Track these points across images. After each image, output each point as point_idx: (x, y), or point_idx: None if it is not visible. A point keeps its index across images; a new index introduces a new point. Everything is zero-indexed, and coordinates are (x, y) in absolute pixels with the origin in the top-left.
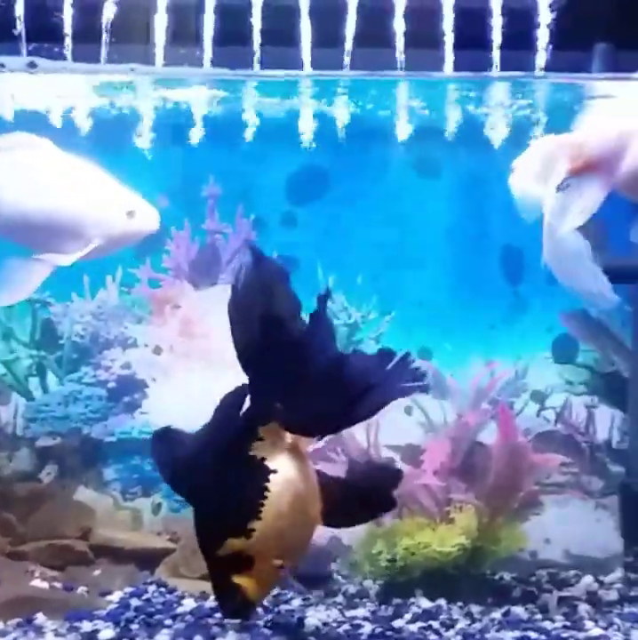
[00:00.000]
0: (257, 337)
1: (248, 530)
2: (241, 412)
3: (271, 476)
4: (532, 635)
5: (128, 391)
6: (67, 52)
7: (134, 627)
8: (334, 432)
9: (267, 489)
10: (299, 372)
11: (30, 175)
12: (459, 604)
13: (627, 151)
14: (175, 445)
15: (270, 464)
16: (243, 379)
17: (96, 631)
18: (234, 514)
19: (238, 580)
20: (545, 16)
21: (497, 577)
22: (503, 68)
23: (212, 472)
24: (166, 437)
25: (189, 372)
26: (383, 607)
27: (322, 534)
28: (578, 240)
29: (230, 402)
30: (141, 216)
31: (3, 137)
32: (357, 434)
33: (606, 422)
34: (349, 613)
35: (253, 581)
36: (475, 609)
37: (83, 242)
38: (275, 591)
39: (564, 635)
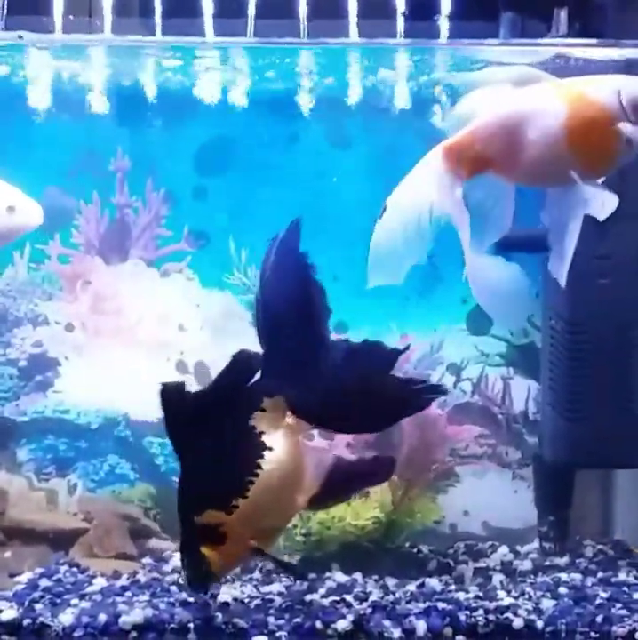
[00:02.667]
0: (284, 316)
1: (231, 505)
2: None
3: (265, 453)
4: (441, 605)
5: (40, 370)
6: None
7: (39, 607)
8: (336, 430)
9: (259, 466)
10: (321, 359)
11: None
12: (375, 577)
13: (522, 137)
14: (181, 399)
15: (267, 440)
16: (154, 355)
17: None
18: (221, 484)
19: (206, 551)
20: None
21: (414, 549)
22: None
23: (208, 434)
24: (176, 391)
25: (102, 350)
26: (298, 582)
27: None
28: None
29: (240, 366)
30: (22, 211)
31: None
32: None
33: (522, 394)
34: (264, 589)
35: (221, 556)
36: (391, 582)
37: None
38: None
39: (475, 605)
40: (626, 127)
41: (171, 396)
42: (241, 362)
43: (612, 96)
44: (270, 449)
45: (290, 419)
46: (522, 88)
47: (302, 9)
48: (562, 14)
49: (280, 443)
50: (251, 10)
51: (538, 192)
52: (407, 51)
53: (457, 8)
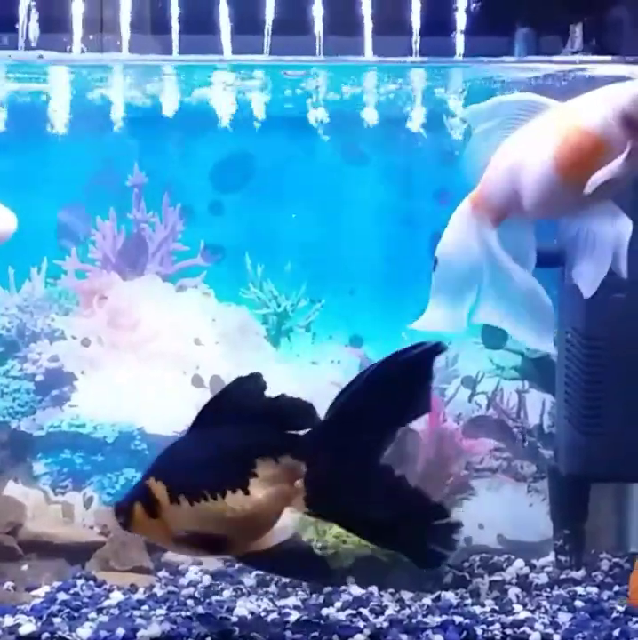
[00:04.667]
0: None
1: (176, 498)
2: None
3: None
4: (458, 619)
5: (56, 384)
6: None
7: (57, 620)
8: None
9: (222, 495)
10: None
11: None
12: (391, 590)
13: (520, 182)
14: (244, 389)
15: (255, 484)
16: (170, 369)
17: (17, 625)
18: (188, 475)
19: (137, 508)
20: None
21: None
22: (422, 54)
23: (224, 432)
24: (246, 382)
25: (118, 364)
26: (314, 596)
27: None
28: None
29: (298, 410)
30: None
31: None
32: None
33: (537, 407)
34: (280, 602)
35: (143, 524)
36: (407, 595)
37: None
38: (208, 582)
39: (491, 618)
40: (617, 147)
41: (240, 383)
42: (301, 408)
43: (603, 116)
44: (247, 493)
45: (294, 486)
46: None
47: (318, 26)
48: (578, 30)
49: (264, 495)
50: (268, 27)
51: None
52: (422, 68)
53: (472, 24)
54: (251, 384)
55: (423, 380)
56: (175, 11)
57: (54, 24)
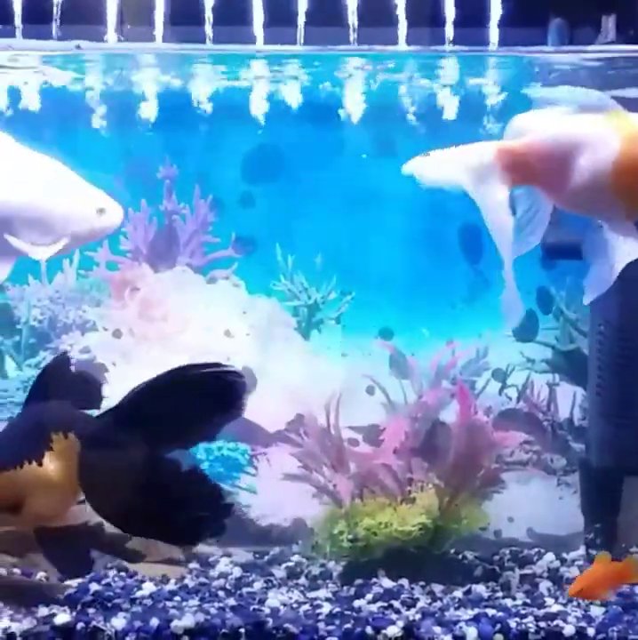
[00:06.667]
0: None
1: None
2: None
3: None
4: (491, 612)
5: None
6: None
7: (91, 610)
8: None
9: (18, 464)
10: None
11: None
12: (421, 583)
13: (572, 165)
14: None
15: (49, 457)
16: (200, 361)
17: (52, 615)
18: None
19: None
20: None
21: (459, 556)
22: (457, 44)
23: (33, 409)
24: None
25: (149, 356)
26: (345, 588)
27: (285, 517)
28: None
29: (89, 387)
30: (110, 213)
31: None
32: (319, 415)
33: (568, 400)
34: (311, 594)
35: None
36: (437, 588)
37: (54, 237)
38: (238, 574)
39: (523, 611)
40: None
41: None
42: (91, 386)
43: None
44: (41, 465)
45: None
46: (585, 114)
47: (352, 17)
48: (611, 21)
49: (55, 467)
50: (301, 18)
51: None
52: (456, 58)
53: (506, 15)
54: (61, 364)
55: (211, 401)
56: (209, 2)
57: (86, 15)
